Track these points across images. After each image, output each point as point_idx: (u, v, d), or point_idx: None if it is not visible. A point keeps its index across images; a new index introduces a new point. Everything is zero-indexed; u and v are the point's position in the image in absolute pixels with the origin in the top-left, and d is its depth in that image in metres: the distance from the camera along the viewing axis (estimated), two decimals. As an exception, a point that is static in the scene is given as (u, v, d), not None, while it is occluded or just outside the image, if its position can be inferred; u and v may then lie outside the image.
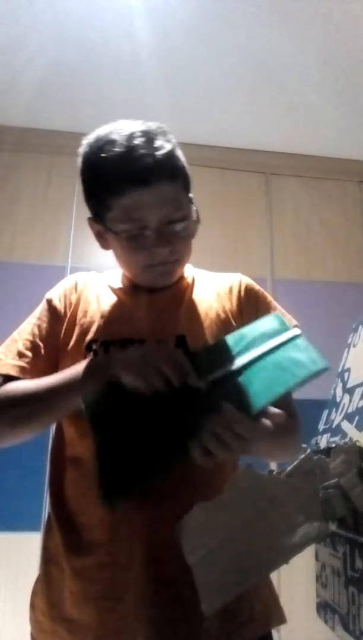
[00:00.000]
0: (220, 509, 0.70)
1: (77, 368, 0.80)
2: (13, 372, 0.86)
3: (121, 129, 0.82)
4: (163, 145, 0.81)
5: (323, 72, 2.32)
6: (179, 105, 2.47)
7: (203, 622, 0.75)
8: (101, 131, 0.84)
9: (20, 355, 0.88)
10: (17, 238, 2.56)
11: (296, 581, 2.15)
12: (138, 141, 0.79)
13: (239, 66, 2.29)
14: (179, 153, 0.86)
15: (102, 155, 0.81)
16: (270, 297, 1.00)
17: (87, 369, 0.79)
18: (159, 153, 0.80)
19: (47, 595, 0.83)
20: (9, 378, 0.86)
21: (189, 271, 1.00)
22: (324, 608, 0.94)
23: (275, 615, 0.85)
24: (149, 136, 0.80)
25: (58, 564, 0.83)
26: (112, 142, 0.80)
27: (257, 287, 1.00)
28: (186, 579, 0.72)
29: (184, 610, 0.76)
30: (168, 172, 0.81)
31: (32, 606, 0.86)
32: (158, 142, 0.80)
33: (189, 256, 0.94)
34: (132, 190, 0.80)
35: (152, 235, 0.83)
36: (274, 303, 0.99)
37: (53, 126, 2.62)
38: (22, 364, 0.87)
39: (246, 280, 1.00)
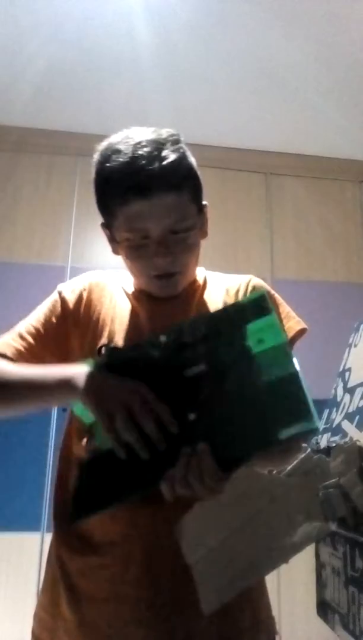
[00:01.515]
0: (220, 508, 0.69)
1: (64, 372, 0.80)
2: (8, 353, 0.88)
3: (130, 137, 0.82)
4: (169, 155, 0.80)
5: (323, 72, 2.32)
6: (179, 105, 2.46)
7: (202, 626, 0.74)
8: (112, 139, 0.84)
9: (21, 337, 0.90)
10: (17, 238, 2.56)
11: (296, 581, 2.15)
12: (142, 151, 0.79)
13: (239, 66, 2.29)
14: (189, 162, 0.85)
15: (108, 164, 0.81)
16: (280, 300, 0.97)
17: (70, 381, 0.78)
18: (163, 163, 0.79)
19: (49, 593, 0.84)
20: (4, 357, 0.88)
21: (201, 274, 0.99)
22: (324, 608, 0.94)
23: (274, 625, 0.85)
24: (156, 145, 0.80)
25: (58, 563, 0.84)
26: (118, 152, 0.81)
27: (267, 288, 0.97)
28: (185, 581, 0.72)
29: (183, 613, 0.75)
30: (172, 183, 0.80)
31: (38, 602, 0.86)
32: (164, 152, 0.80)
33: (196, 266, 0.94)
34: (134, 200, 0.80)
35: (153, 245, 0.83)
36: (284, 307, 0.96)
37: (53, 126, 2.62)
38: (19, 346, 0.89)
39: (256, 282, 0.98)
